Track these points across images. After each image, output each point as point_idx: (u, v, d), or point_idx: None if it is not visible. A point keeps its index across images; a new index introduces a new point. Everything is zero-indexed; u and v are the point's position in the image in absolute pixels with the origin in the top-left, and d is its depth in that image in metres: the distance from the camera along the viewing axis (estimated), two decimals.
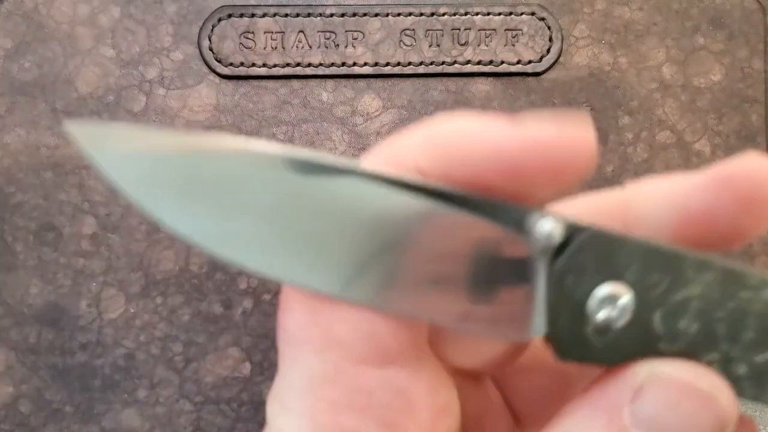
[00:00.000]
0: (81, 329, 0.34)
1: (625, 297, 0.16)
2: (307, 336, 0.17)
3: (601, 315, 0.16)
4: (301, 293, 0.17)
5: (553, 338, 0.17)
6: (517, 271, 0.17)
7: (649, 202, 0.18)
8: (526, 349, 0.21)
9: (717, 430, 0.16)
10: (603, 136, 0.36)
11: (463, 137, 0.17)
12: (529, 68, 0.36)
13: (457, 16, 0.36)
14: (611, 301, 0.16)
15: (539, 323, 0.17)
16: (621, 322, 0.16)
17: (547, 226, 0.16)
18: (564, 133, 0.16)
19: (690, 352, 0.17)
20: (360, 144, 0.35)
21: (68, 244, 0.34)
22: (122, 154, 0.15)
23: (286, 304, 0.18)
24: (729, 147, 0.36)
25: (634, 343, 0.16)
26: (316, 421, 0.17)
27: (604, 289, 0.16)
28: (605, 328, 0.16)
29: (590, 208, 0.19)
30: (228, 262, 0.16)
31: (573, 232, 0.17)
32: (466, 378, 0.21)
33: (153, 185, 0.16)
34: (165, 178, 0.16)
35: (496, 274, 0.16)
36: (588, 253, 0.16)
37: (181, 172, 0.16)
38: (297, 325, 0.17)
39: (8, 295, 0.34)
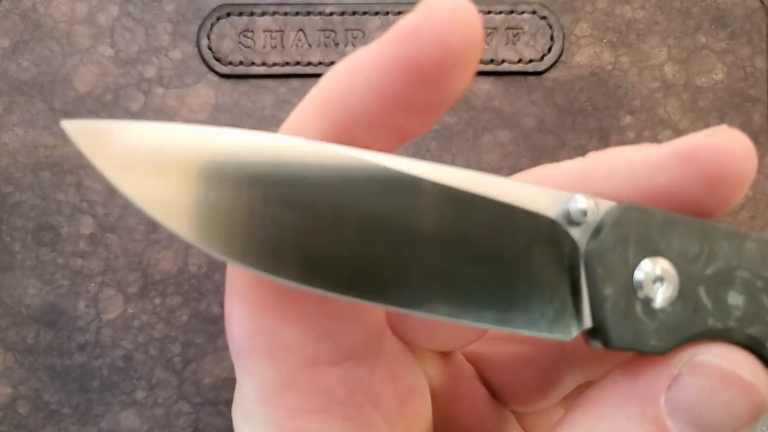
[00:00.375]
0: (79, 330, 0.34)
1: (668, 271, 0.16)
2: (256, 345, 0.17)
3: (647, 293, 0.16)
4: (243, 302, 0.16)
5: (600, 329, 0.16)
6: (556, 261, 0.16)
7: (610, 173, 0.17)
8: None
9: (753, 419, 0.16)
10: (605, 136, 0.36)
11: (337, 80, 0.16)
12: (530, 67, 0.36)
13: None
14: (655, 276, 0.16)
15: (584, 316, 0.16)
16: (667, 299, 0.16)
17: (581, 204, 0.16)
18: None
19: (739, 327, 0.16)
20: None
21: (66, 244, 0.34)
22: (135, 168, 0.15)
23: (230, 315, 0.17)
24: None
25: (684, 323, 0.16)
26: (279, 428, 0.17)
27: (645, 265, 0.16)
28: (652, 307, 0.16)
29: (551, 179, 0.18)
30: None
31: (606, 209, 0.16)
32: (435, 355, 0.21)
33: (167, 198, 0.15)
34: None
35: (534, 267, 0.16)
36: (625, 228, 0.16)
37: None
38: (244, 335, 0.17)
39: (6, 295, 0.34)
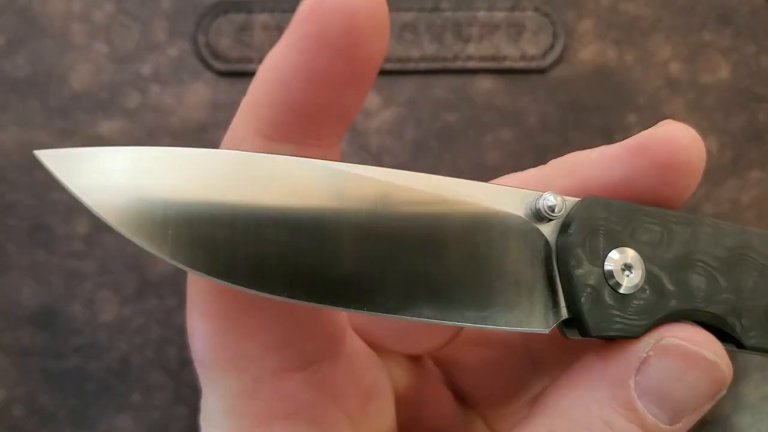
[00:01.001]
0: (75, 332, 0.34)
1: (635, 258, 0.17)
2: (220, 358, 0.17)
3: (617, 280, 0.17)
4: (205, 317, 0.17)
5: (576, 319, 0.17)
6: (529, 258, 0.17)
7: (571, 173, 0.18)
8: (458, 331, 0.21)
9: (715, 396, 0.17)
10: (608, 134, 0.36)
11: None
12: (533, 65, 0.36)
13: (459, 11, 0.36)
14: (623, 265, 0.17)
15: (560, 308, 0.17)
16: (635, 286, 0.17)
17: (550, 201, 0.17)
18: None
19: (703, 306, 0.17)
20: (359, 142, 0.35)
21: (61, 244, 0.34)
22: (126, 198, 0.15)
23: (192, 329, 0.17)
24: (736, 145, 0.36)
25: (652, 307, 0.17)
26: None
27: (613, 255, 0.17)
28: (622, 294, 0.17)
29: (516, 185, 0.19)
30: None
31: (574, 204, 0.17)
32: (402, 358, 0.21)
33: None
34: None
35: (509, 266, 0.17)
36: (591, 221, 0.17)
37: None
38: (207, 347, 0.17)
39: (1, 296, 0.34)
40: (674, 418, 0.17)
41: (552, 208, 0.17)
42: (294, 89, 0.16)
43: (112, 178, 0.15)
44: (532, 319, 0.17)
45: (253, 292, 0.15)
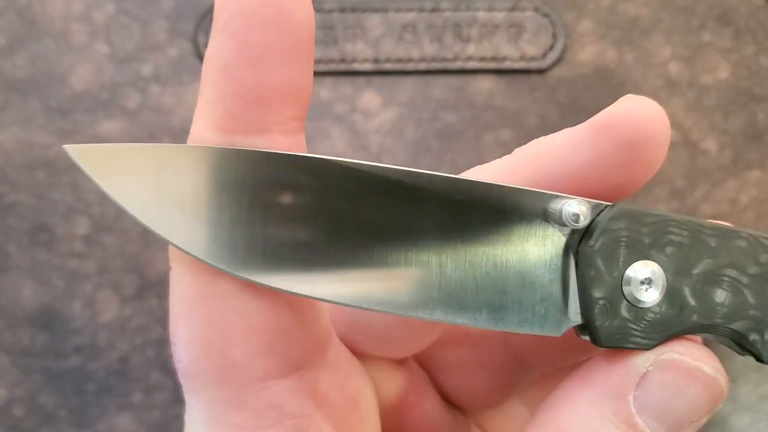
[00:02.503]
0: (75, 331, 0.34)
1: (657, 273, 0.16)
2: (204, 367, 0.17)
3: (635, 294, 0.16)
4: (189, 324, 0.17)
5: (589, 328, 0.17)
6: (547, 262, 0.17)
7: (537, 161, 0.18)
8: (439, 333, 0.21)
9: (712, 410, 0.17)
10: None
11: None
12: (532, 65, 0.36)
13: (459, 11, 0.36)
14: (643, 278, 0.16)
15: (573, 313, 0.17)
16: (654, 300, 0.16)
17: (574, 208, 0.16)
18: None
19: (724, 322, 0.17)
20: (359, 142, 0.35)
21: (62, 244, 0.34)
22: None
23: (176, 338, 0.17)
24: (736, 145, 0.36)
25: (669, 321, 0.17)
26: None
27: (635, 268, 0.16)
28: (640, 308, 0.16)
29: (486, 178, 0.18)
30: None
31: (598, 211, 0.17)
32: (386, 363, 0.21)
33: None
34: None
35: (527, 267, 0.17)
36: (616, 231, 0.16)
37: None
38: (191, 356, 0.17)
39: (1, 296, 0.34)
40: None
41: (575, 217, 0.16)
42: (237, 75, 0.16)
43: (137, 173, 0.15)
44: (545, 323, 0.17)
45: (268, 285, 0.15)
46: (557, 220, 0.17)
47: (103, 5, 0.35)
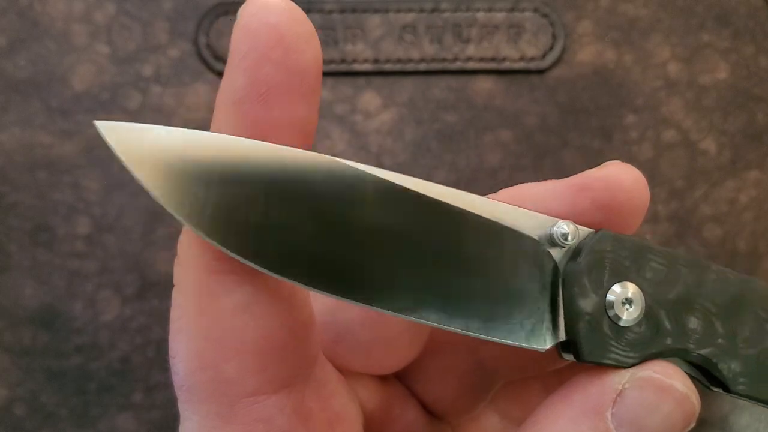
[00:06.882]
0: (76, 331, 0.34)
1: (636, 294, 0.17)
2: (199, 380, 0.18)
3: (616, 312, 0.17)
4: (188, 337, 0.18)
5: (573, 343, 0.18)
6: (537, 279, 0.18)
7: (518, 204, 0.19)
8: (421, 349, 0.21)
9: (686, 427, 0.18)
10: (607, 135, 0.36)
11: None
12: (532, 65, 0.36)
13: (459, 12, 0.36)
14: (624, 299, 0.17)
15: (559, 330, 0.18)
16: (633, 319, 0.17)
17: (565, 229, 0.18)
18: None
19: (695, 348, 0.18)
20: (359, 143, 0.35)
21: (63, 244, 0.34)
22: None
23: (175, 351, 0.18)
24: (735, 146, 0.36)
25: (646, 342, 0.18)
26: None
27: (616, 288, 0.17)
28: (620, 326, 0.17)
29: None
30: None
31: (585, 234, 0.18)
32: (369, 378, 0.22)
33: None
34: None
35: (517, 283, 0.17)
36: (601, 253, 0.18)
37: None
38: (188, 370, 0.18)
39: (2, 296, 0.34)
40: None
41: (565, 236, 0.18)
42: (248, 108, 0.17)
43: (163, 154, 0.16)
44: (532, 337, 0.17)
45: (274, 274, 0.16)
46: (548, 240, 0.18)
47: (104, 6, 0.35)
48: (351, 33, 0.35)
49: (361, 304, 0.16)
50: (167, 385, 0.34)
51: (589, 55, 0.36)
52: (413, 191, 0.17)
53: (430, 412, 0.23)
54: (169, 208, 0.16)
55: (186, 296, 0.18)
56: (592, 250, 0.18)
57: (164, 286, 0.34)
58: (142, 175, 0.16)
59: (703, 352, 0.18)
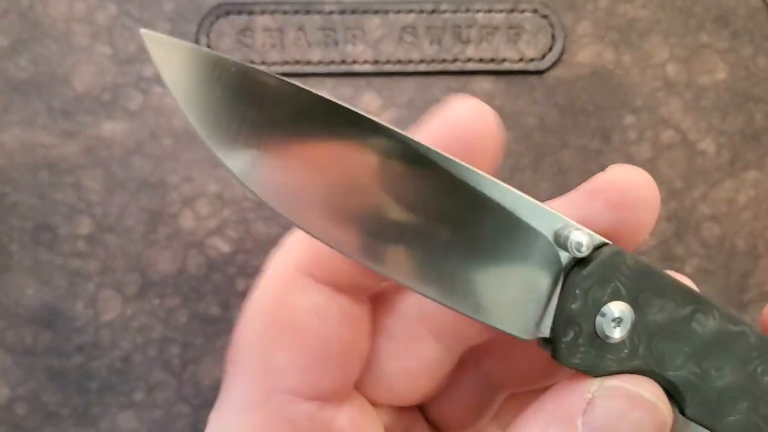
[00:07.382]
0: (77, 331, 0.34)
1: (626, 315, 0.18)
2: (251, 357, 0.18)
3: (603, 327, 0.18)
4: (255, 318, 0.19)
5: (554, 342, 0.18)
6: (540, 275, 0.18)
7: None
8: (444, 382, 0.22)
9: None
10: (606, 136, 0.36)
11: None
12: (531, 66, 0.36)
13: (458, 13, 0.36)
14: (614, 317, 0.18)
15: (545, 326, 0.18)
16: (617, 337, 0.18)
17: (580, 238, 0.18)
18: None
19: (664, 374, 0.18)
20: None
21: (64, 244, 0.34)
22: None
23: (240, 326, 0.19)
24: (733, 146, 0.36)
25: (622, 359, 0.18)
26: None
27: (611, 306, 0.18)
28: (602, 340, 0.18)
29: None
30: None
31: (599, 246, 0.18)
32: (389, 408, 0.22)
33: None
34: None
35: (521, 275, 0.18)
36: (606, 270, 0.18)
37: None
38: (245, 344, 0.19)
39: (3, 296, 0.34)
40: None
41: (579, 246, 0.18)
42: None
43: (198, 76, 0.16)
44: (520, 326, 0.18)
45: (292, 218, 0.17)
46: (561, 243, 0.18)
47: (105, 7, 0.35)
48: (351, 34, 0.35)
49: (365, 263, 0.17)
50: (168, 385, 0.34)
51: (588, 56, 0.36)
52: (444, 168, 0.18)
53: (434, 426, 0.23)
54: (196, 127, 0.16)
55: (270, 284, 0.19)
56: (598, 264, 0.18)
57: (165, 286, 0.34)
58: (174, 89, 0.16)
59: (672, 378, 0.18)
